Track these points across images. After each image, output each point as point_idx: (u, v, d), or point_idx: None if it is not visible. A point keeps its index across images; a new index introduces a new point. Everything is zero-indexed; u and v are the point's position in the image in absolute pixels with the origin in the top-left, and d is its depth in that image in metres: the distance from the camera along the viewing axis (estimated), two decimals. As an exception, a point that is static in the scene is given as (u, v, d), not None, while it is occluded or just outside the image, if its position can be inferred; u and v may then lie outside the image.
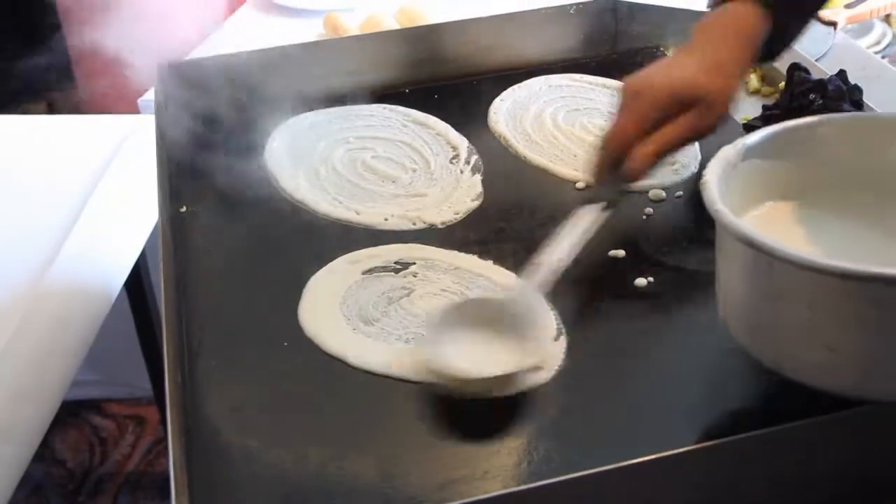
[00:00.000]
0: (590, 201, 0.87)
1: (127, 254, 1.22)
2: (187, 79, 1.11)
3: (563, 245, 0.83)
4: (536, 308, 0.79)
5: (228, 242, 0.95)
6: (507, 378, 0.74)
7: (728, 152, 0.74)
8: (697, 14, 1.26)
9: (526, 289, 0.80)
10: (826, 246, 0.73)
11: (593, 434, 0.72)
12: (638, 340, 0.81)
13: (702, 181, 0.70)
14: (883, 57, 2.58)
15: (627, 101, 0.85)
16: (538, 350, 0.77)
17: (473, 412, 0.74)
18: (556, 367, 0.77)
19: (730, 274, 0.70)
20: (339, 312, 0.83)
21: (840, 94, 0.97)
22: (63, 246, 1.11)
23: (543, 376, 0.76)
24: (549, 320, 0.81)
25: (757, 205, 0.77)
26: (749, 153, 0.75)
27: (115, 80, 1.60)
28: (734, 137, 1.05)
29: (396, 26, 1.60)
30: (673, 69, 0.86)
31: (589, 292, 0.85)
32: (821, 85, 0.99)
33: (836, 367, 0.64)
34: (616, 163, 0.85)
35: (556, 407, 0.74)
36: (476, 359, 0.75)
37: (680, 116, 0.83)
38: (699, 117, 0.83)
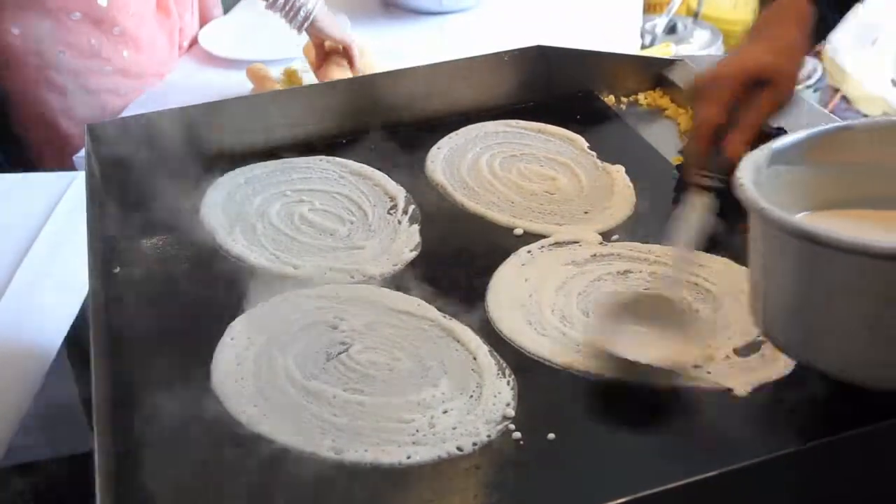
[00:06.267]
0: (696, 188, 0.90)
1: (63, 315, 1.18)
2: (119, 137, 1.10)
3: (684, 238, 0.87)
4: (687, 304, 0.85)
5: (163, 302, 0.93)
6: (671, 368, 0.79)
7: (756, 156, 0.76)
8: (628, 58, 1.29)
9: (668, 287, 0.85)
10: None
11: (535, 488, 0.71)
12: (580, 392, 0.80)
13: (737, 183, 0.72)
14: (815, 91, 2.65)
15: (705, 91, 0.92)
16: (698, 347, 0.81)
17: (420, 464, 0.73)
18: (499, 416, 0.77)
19: (779, 278, 0.69)
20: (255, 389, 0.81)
21: (767, 136, 0.99)
22: (-4, 307, 1.08)
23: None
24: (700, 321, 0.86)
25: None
26: (775, 158, 0.77)
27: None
28: (665, 177, 1.07)
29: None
30: (743, 55, 0.93)
31: (529, 343, 0.85)
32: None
33: None
34: (710, 149, 0.91)
35: (499, 460, 0.74)
36: (647, 348, 0.80)
37: (755, 98, 0.90)
38: (775, 94, 0.90)
